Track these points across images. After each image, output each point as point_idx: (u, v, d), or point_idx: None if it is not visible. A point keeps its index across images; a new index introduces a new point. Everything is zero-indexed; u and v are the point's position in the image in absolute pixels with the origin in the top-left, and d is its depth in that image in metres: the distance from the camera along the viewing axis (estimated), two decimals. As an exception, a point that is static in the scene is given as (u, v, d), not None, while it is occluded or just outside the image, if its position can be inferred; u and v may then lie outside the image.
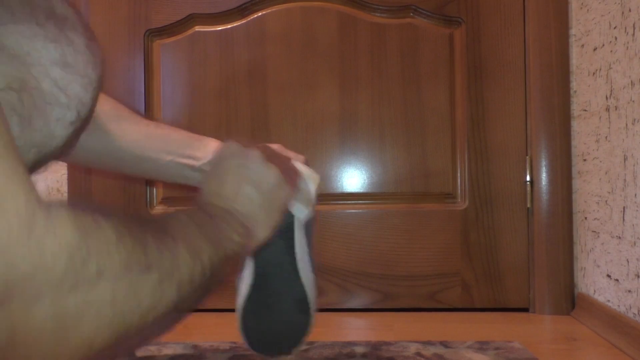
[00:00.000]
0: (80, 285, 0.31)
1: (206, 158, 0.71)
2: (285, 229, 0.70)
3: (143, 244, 0.36)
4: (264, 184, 0.60)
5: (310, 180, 0.72)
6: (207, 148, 0.72)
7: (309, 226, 0.73)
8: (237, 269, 0.72)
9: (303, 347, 0.74)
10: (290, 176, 0.66)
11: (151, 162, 0.71)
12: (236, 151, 0.62)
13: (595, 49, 0.99)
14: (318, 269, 1.14)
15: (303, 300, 0.72)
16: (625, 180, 0.88)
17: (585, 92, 1.03)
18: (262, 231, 0.60)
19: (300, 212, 0.71)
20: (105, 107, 0.69)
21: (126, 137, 0.70)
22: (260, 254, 0.70)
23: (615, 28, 0.91)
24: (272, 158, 0.63)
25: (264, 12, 1.17)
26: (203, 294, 0.45)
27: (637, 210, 0.84)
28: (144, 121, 0.74)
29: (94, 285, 0.32)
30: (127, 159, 0.71)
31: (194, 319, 1.09)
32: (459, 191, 1.14)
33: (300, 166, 0.72)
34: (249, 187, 0.58)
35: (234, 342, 0.92)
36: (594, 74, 0.99)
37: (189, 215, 0.48)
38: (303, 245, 0.72)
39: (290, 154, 0.74)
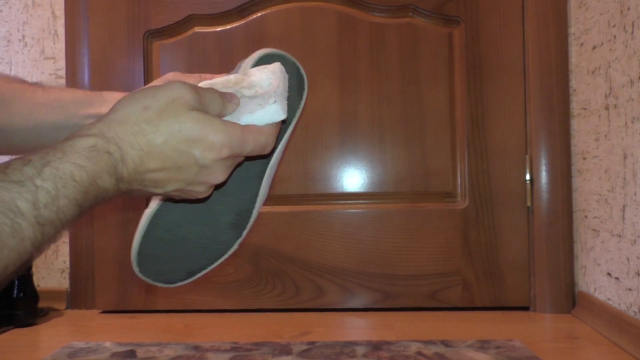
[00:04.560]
0: None
1: None
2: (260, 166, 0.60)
3: None
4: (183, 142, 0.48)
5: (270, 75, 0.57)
6: (109, 102, 0.61)
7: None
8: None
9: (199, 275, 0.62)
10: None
11: (50, 132, 0.63)
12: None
13: (594, 48, 0.99)
14: (319, 269, 1.15)
15: (243, 213, 0.60)
16: (625, 178, 0.88)
17: (585, 90, 1.03)
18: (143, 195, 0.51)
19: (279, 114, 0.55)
20: None
21: (13, 115, 0.62)
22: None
23: (614, 26, 0.91)
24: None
25: (263, 13, 1.17)
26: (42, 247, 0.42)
27: (637, 209, 0.84)
28: (29, 89, 0.64)
29: None
30: (20, 136, 0.63)
31: (194, 319, 1.09)
32: (459, 190, 1.14)
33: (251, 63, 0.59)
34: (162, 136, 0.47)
35: (235, 343, 0.92)
36: (593, 72, 0.99)
37: (55, 178, 0.42)
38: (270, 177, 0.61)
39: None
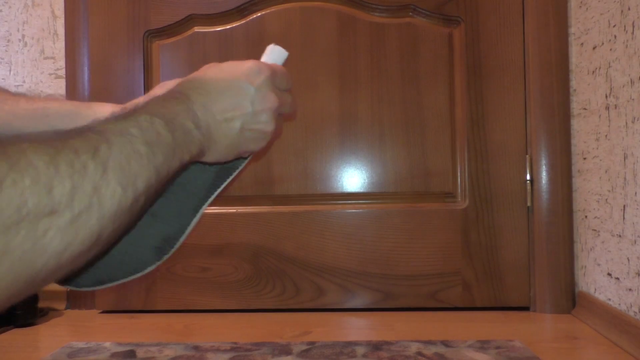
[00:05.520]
0: None
1: None
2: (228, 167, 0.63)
3: (48, 183, 0.33)
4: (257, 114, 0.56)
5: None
6: (98, 114, 0.62)
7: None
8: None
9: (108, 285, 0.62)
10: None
11: None
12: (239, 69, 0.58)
13: (594, 48, 0.99)
14: (319, 269, 1.15)
15: (171, 240, 0.62)
16: (625, 178, 0.88)
17: (585, 90, 1.03)
18: (217, 153, 0.56)
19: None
20: None
21: None
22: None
23: (614, 26, 0.91)
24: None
25: (263, 13, 1.17)
26: (139, 215, 0.43)
27: (637, 209, 0.84)
28: (12, 98, 0.63)
29: None
30: None
31: (194, 319, 1.09)
32: (459, 190, 1.14)
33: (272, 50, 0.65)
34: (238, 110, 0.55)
35: (235, 343, 0.92)
36: (593, 72, 0.99)
37: (141, 128, 0.44)
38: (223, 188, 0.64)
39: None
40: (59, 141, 0.36)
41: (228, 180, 0.64)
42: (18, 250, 0.31)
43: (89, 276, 0.60)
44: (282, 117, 0.63)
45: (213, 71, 0.57)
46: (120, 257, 0.60)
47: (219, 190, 0.63)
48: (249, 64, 0.57)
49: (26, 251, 0.32)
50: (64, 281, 0.58)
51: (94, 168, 0.37)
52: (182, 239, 0.62)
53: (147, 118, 0.45)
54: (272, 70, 0.59)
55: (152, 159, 0.43)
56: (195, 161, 0.55)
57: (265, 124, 0.57)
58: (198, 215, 0.62)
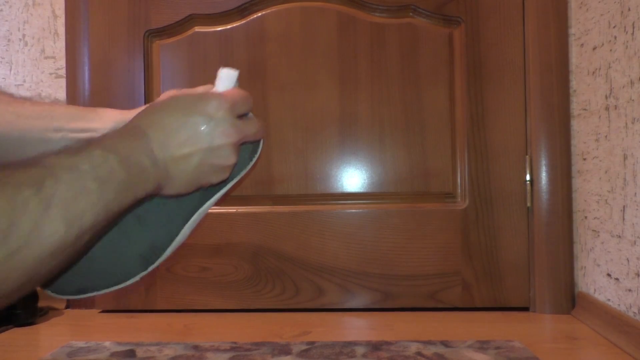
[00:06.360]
0: None
1: (105, 128, 0.61)
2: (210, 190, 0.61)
3: None
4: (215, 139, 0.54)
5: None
6: (103, 118, 0.63)
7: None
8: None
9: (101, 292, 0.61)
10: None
11: (36, 144, 0.61)
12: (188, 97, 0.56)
13: (594, 48, 0.99)
14: (318, 269, 1.15)
15: (157, 249, 0.60)
16: (625, 179, 0.88)
17: (585, 91, 1.03)
18: (175, 188, 0.54)
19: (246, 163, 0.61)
20: None
21: None
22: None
23: (614, 27, 0.91)
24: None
25: (263, 13, 1.17)
26: (85, 250, 0.42)
27: (637, 209, 0.84)
28: (18, 101, 0.64)
29: None
30: (3, 146, 0.60)
31: (194, 319, 1.09)
32: (459, 191, 1.14)
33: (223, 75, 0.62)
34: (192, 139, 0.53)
35: (235, 343, 0.92)
36: (593, 73, 0.99)
37: (93, 164, 0.43)
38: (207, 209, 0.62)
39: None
40: (4, 173, 0.36)
41: (222, 191, 0.62)
42: None
43: (71, 283, 0.58)
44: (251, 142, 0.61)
45: (171, 105, 0.55)
46: (104, 264, 0.58)
47: (211, 200, 0.61)
48: (207, 98, 0.55)
49: None
50: (44, 286, 0.57)
51: (36, 204, 0.36)
52: (170, 250, 0.60)
53: (101, 154, 0.44)
54: (231, 100, 0.56)
55: (102, 196, 0.42)
56: (152, 195, 0.53)
57: (226, 158, 0.56)
58: (189, 224, 0.61)
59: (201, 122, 0.54)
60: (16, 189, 0.35)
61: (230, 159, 0.56)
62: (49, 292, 0.58)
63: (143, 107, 0.57)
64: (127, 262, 0.59)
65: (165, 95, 0.60)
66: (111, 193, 0.43)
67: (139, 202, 0.50)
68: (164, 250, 0.60)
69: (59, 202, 0.38)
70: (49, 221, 0.37)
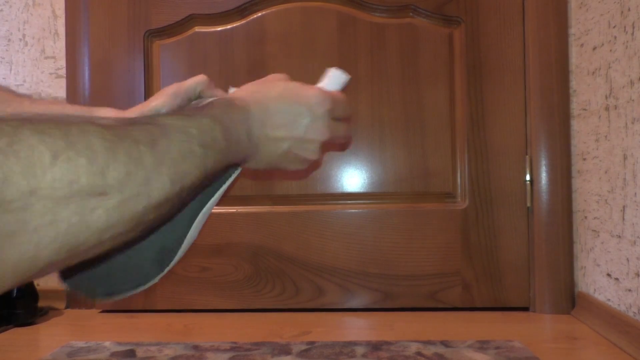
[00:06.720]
0: (8, 205, 0.31)
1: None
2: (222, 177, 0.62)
3: (104, 166, 0.36)
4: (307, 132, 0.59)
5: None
6: (108, 113, 0.65)
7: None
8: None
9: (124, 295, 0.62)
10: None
11: None
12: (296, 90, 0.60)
13: (594, 48, 0.99)
14: (318, 269, 1.15)
15: (168, 252, 0.62)
16: (625, 179, 0.88)
17: (585, 91, 1.03)
18: (256, 164, 0.59)
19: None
20: None
21: None
22: None
23: (614, 27, 0.91)
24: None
25: (263, 13, 1.17)
26: (179, 208, 0.45)
27: (637, 209, 0.84)
28: (17, 99, 0.65)
29: (27, 205, 0.31)
30: None
31: (194, 319, 1.09)
32: (459, 191, 1.14)
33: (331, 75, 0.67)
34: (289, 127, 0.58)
35: (235, 342, 0.92)
36: (593, 73, 0.99)
37: (201, 130, 0.46)
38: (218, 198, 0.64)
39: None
40: (122, 129, 0.39)
41: (221, 191, 0.63)
42: (65, 222, 0.33)
43: (100, 287, 0.61)
44: (332, 145, 0.65)
45: (278, 89, 0.59)
46: (122, 269, 0.61)
47: (212, 200, 0.63)
48: (314, 92, 0.59)
49: (72, 224, 0.34)
50: (77, 289, 0.60)
51: (150, 160, 0.39)
52: (181, 251, 0.62)
53: (209, 122, 0.48)
54: (334, 101, 0.60)
55: (204, 161, 0.45)
56: (237, 165, 0.57)
57: (312, 152, 0.60)
58: (195, 225, 0.63)
59: (302, 113, 0.58)
60: (134, 143, 0.38)
61: (314, 154, 0.60)
62: (80, 291, 0.60)
63: (246, 85, 0.62)
64: (143, 266, 0.62)
65: (273, 77, 0.64)
66: (211, 158, 0.46)
67: (226, 169, 0.53)
68: (175, 251, 0.62)
69: (169, 160, 0.41)
70: (159, 176, 0.40)
